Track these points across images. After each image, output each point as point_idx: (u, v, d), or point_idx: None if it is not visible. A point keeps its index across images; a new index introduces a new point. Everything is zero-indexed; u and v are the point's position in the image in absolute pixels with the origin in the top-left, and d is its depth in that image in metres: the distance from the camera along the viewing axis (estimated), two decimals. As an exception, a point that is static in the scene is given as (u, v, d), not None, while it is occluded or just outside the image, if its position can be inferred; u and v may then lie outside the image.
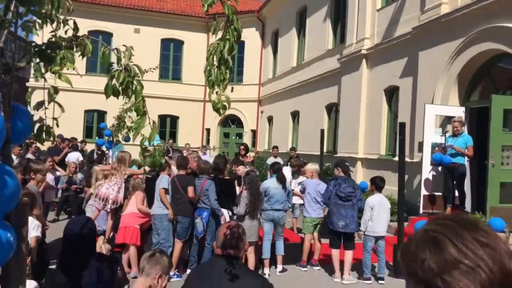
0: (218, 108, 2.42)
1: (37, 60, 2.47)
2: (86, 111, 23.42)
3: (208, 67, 2.41)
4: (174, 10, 24.01)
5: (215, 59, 2.44)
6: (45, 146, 13.76)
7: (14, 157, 9.11)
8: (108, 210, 7.10)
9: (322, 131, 10.43)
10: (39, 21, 2.70)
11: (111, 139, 12.04)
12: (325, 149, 14.21)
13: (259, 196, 6.22)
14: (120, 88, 2.47)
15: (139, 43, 22.01)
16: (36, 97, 2.69)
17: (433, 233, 0.88)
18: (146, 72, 8.68)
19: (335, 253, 6.58)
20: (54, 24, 3.01)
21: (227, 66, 2.41)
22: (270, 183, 6.88)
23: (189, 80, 24.34)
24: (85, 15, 21.52)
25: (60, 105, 2.44)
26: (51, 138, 2.46)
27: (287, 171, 8.87)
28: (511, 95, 8.40)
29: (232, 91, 24.45)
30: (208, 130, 25.42)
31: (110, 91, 2.46)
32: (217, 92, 2.44)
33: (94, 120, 23.80)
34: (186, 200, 6.32)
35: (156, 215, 6.35)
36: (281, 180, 6.85)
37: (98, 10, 23.00)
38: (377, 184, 6.62)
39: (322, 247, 7.23)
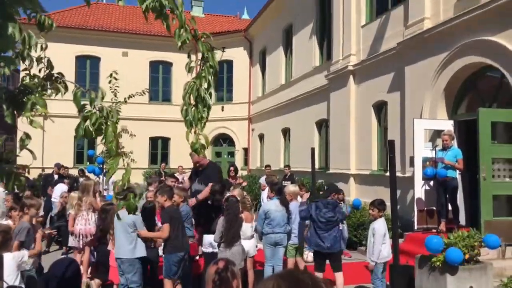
0: (196, 148, 2.35)
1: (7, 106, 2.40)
2: (151, 138, 23.86)
3: (185, 106, 2.36)
4: (161, 33, 24.15)
5: (191, 98, 2.39)
6: (33, 175, 13.56)
7: (1, 189, 8.93)
8: (81, 246, 6.87)
9: (313, 149, 10.37)
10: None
11: (102, 166, 11.90)
12: (317, 166, 14.18)
13: (237, 223, 5.84)
14: (92, 129, 2.41)
15: (128, 66, 22.09)
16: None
17: None
18: (133, 96, 8.55)
19: (319, 276, 6.39)
20: (27, 62, 2.96)
21: (204, 104, 2.36)
22: (272, 205, 6.70)
23: (179, 101, 24.24)
24: (72, 41, 21.58)
25: (32, 152, 2.35)
26: (21, 186, 2.37)
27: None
28: (497, 108, 8.44)
29: (222, 110, 24.49)
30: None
31: (81, 132, 2.40)
32: (195, 132, 2.38)
33: (158, 147, 24.65)
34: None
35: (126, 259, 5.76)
36: (284, 202, 6.72)
37: (85, 35, 23.04)
38: (380, 209, 6.25)
39: (308, 270, 7.11)
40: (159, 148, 24.94)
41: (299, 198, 7.63)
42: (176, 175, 13.08)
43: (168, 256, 5.75)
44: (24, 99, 2.45)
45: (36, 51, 3.24)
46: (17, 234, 5.63)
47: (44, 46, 3.26)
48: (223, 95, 25.33)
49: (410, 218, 9.09)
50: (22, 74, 2.85)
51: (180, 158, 23.45)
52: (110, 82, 7.67)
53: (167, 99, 25.07)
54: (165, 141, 24.82)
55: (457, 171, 8.42)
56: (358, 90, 12.95)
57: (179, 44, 2.44)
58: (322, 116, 15.39)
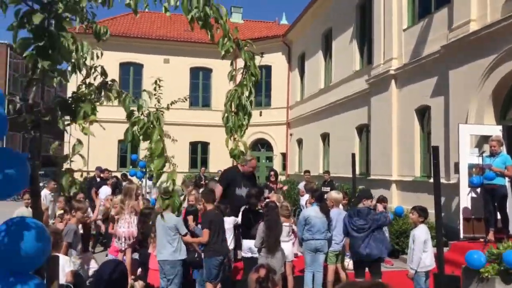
0: (235, 155, 2.40)
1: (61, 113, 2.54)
2: (191, 143, 24.43)
3: (226, 113, 2.41)
4: (202, 39, 24.58)
5: (233, 105, 2.43)
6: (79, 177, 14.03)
7: (48, 192, 9.34)
8: (123, 248, 7.04)
9: (354, 155, 10.24)
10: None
11: (144, 170, 12.22)
12: (357, 172, 13.97)
13: (277, 229, 5.85)
14: (140, 134, 2.49)
15: (169, 73, 22.59)
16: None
17: None
18: (176, 102, 8.74)
19: None
20: (83, 72, 3.11)
21: (245, 111, 2.40)
22: (312, 212, 6.68)
23: (219, 106, 24.67)
24: (117, 48, 22.30)
25: (83, 157, 2.47)
26: (75, 189, 2.48)
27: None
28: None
29: (260, 115, 24.60)
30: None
31: (129, 136, 2.49)
32: (234, 139, 2.42)
33: (198, 151, 25.16)
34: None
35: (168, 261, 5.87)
36: (324, 209, 6.68)
37: (129, 43, 23.78)
38: (420, 214, 6.07)
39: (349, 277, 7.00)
40: (199, 152, 25.32)
41: (340, 206, 7.54)
42: (216, 179, 13.26)
43: (208, 260, 5.82)
44: (77, 107, 2.58)
45: (91, 59, 3.40)
46: (64, 236, 5.89)
47: (99, 54, 3.42)
48: (262, 100, 25.43)
49: (456, 226, 8.79)
50: (78, 82, 2.98)
51: (220, 162, 23.73)
52: (155, 89, 7.89)
53: (206, 104, 25.45)
54: (205, 145, 25.17)
55: (506, 179, 8.06)
56: (400, 94, 12.67)
57: (223, 53, 2.50)
58: (363, 121, 15.16)
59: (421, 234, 5.92)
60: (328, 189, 10.69)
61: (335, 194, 7.31)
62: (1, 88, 2.67)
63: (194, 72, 25.12)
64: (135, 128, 2.48)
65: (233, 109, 2.45)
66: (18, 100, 2.59)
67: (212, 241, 5.80)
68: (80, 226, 6.90)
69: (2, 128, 2.31)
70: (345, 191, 10.31)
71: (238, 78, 2.76)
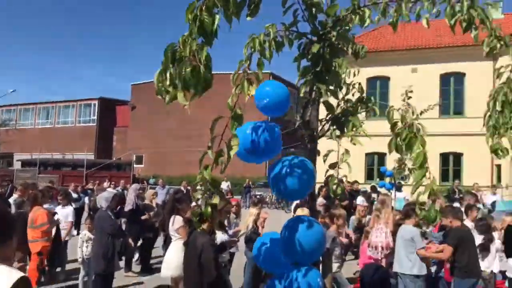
0: (496, 149, 2.29)
1: (333, 127, 2.95)
2: (441, 154, 24.02)
3: (489, 112, 2.34)
4: (452, 43, 22.93)
5: (497, 103, 2.34)
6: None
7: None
8: (379, 258, 7.10)
9: None
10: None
11: (393, 181, 12.27)
12: None
13: None
14: (403, 144, 2.65)
15: (417, 82, 21.92)
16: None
17: None
18: (426, 111, 8.55)
19: None
20: (344, 90, 3.52)
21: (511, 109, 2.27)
22: None
23: (473, 113, 22.42)
24: (363, 64, 23.05)
25: (349, 165, 2.81)
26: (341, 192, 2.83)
27: None
28: None
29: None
30: (498, 166, 22.51)
31: (393, 146, 2.68)
32: (499, 136, 2.31)
33: (450, 163, 24.42)
34: None
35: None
36: None
37: (375, 57, 24.22)
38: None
39: None
40: (450, 164, 23.56)
41: None
42: (473, 191, 12.17)
43: (459, 281, 5.44)
44: (345, 121, 2.95)
45: (348, 77, 3.80)
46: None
47: (357, 72, 3.79)
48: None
49: None
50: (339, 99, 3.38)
51: (475, 175, 21.47)
52: (403, 100, 7.91)
53: (459, 112, 23.53)
54: (457, 156, 23.24)
55: None
56: None
57: (486, 51, 2.44)
58: None
59: None
60: None
61: None
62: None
63: (445, 78, 23.62)
64: (398, 139, 2.66)
65: (497, 107, 2.36)
66: (298, 118, 3.14)
67: (464, 261, 5.40)
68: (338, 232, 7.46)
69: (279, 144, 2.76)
70: None
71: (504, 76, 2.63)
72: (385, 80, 24.29)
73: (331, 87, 2.92)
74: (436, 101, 22.54)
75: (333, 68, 2.91)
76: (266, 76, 37.06)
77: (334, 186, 2.90)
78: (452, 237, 5.53)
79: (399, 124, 2.69)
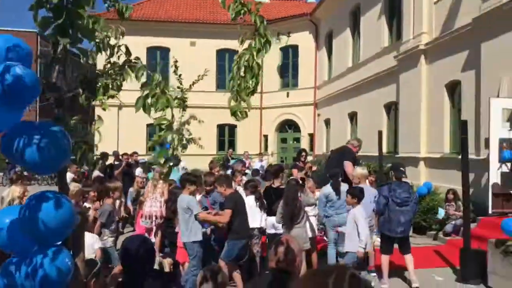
0: (234, 112, 2.44)
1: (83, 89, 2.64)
2: (219, 125, 24.70)
3: (232, 75, 2.45)
4: (228, 21, 24.46)
5: (240, 69, 2.47)
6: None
7: (71, 175, 9.48)
8: (154, 227, 7.15)
9: (380, 132, 10.12)
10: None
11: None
12: (385, 150, 13.79)
13: (294, 205, 5.79)
14: (150, 102, 2.56)
15: (196, 56, 22.69)
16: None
17: None
18: (197, 82, 8.69)
19: (385, 259, 6.30)
20: (108, 52, 3.20)
21: (252, 74, 2.43)
22: (331, 189, 6.77)
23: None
24: (143, 33, 22.55)
25: (99, 133, 2.57)
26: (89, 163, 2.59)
27: None
28: None
29: (287, 96, 24.49)
30: (266, 136, 25.56)
31: (140, 104, 2.56)
32: (241, 100, 2.46)
33: (225, 134, 25.54)
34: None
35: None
36: (335, 186, 6.73)
37: (155, 27, 23.97)
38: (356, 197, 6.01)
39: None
40: (225, 135, 25.53)
41: (367, 182, 7.47)
42: (243, 159, 13.38)
43: (231, 242, 5.75)
44: (95, 85, 2.68)
45: (115, 39, 3.48)
46: (99, 216, 6.11)
47: (122, 32, 3.49)
48: (289, 81, 25.26)
49: (485, 202, 8.61)
50: (103, 62, 3.07)
51: (247, 144, 23.90)
52: (174, 71, 7.98)
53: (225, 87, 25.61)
54: (232, 128, 25.31)
55: (539, 153, 7.81)
56: (430, 70, 12.34)
57: (233, 15, 2.52)
58: (391, 98, 14.88)
59: (360, 214, 5.84)
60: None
61: (360, 170, 7.25)
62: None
63: (221, 54, 25.12)
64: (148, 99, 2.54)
65: (241, 73, 2.48)
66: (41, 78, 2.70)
67: (236, 223, 5.73)
68: (118, 205, 7.13)
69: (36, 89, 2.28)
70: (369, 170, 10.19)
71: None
72: (165, 50, 24.36)
73: (80, 45, 2.58)
74: (213, 75, 23.92)
75: (80, 22, 2.57)
76: (33, 35, 32.49)
77: (78, 155, 2.60)
78: (229, 200, 5.82)
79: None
